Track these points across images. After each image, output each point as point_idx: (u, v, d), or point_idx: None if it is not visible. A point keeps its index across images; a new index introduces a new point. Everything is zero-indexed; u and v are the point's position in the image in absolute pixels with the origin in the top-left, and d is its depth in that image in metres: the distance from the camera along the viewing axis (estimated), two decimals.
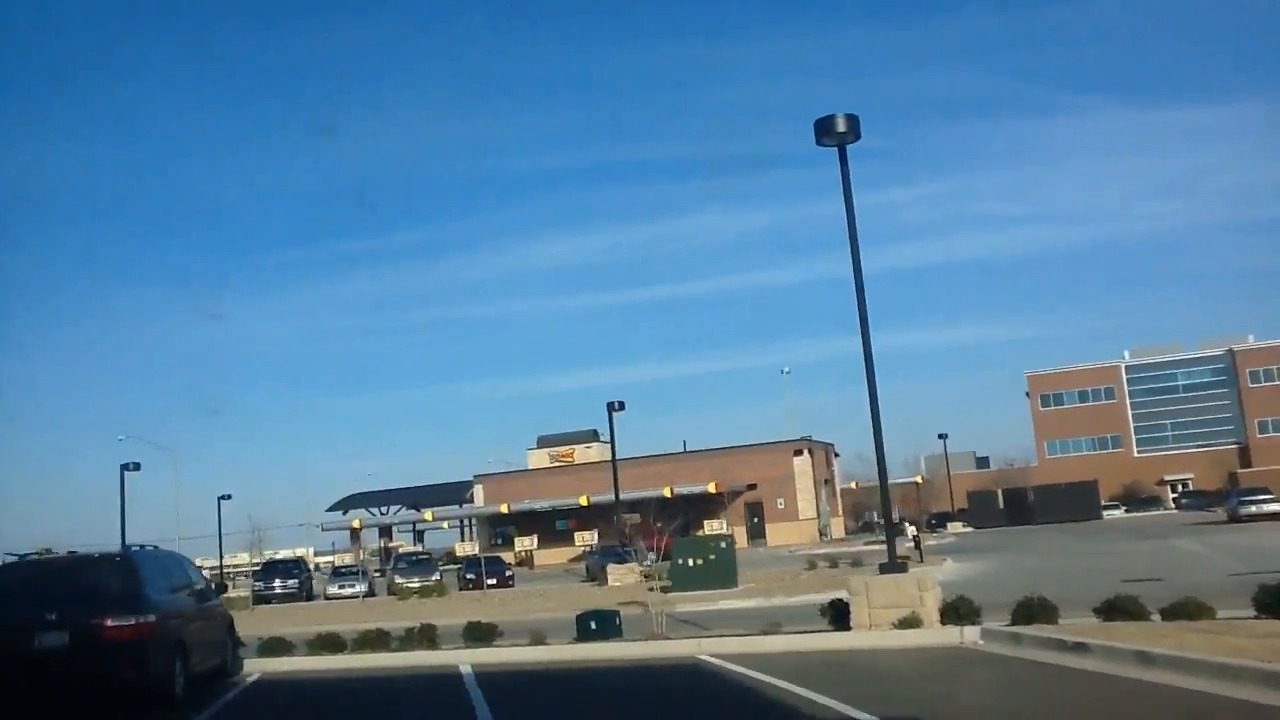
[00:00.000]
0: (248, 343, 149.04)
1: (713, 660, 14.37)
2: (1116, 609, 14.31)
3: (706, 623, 20.60)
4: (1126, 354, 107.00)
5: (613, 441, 42.66)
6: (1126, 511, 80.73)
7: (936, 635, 14.41)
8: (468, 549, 64.00)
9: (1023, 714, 9.54)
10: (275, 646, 18.35)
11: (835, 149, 16.11)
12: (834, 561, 39.19)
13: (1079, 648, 12.07)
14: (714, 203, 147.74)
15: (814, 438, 69.79)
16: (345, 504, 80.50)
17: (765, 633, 15.94)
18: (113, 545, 15.83)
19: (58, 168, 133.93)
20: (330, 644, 18.24)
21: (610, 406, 43.06)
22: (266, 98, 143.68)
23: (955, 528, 71.98)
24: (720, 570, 33.36)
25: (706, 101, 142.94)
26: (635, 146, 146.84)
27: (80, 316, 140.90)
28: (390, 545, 76.93)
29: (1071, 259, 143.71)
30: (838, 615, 15.61)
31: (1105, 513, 75.30)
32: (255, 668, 17.10)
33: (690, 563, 33.92)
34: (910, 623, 14.59)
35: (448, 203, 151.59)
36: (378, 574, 51.34)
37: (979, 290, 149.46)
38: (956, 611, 14.82)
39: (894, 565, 15.47)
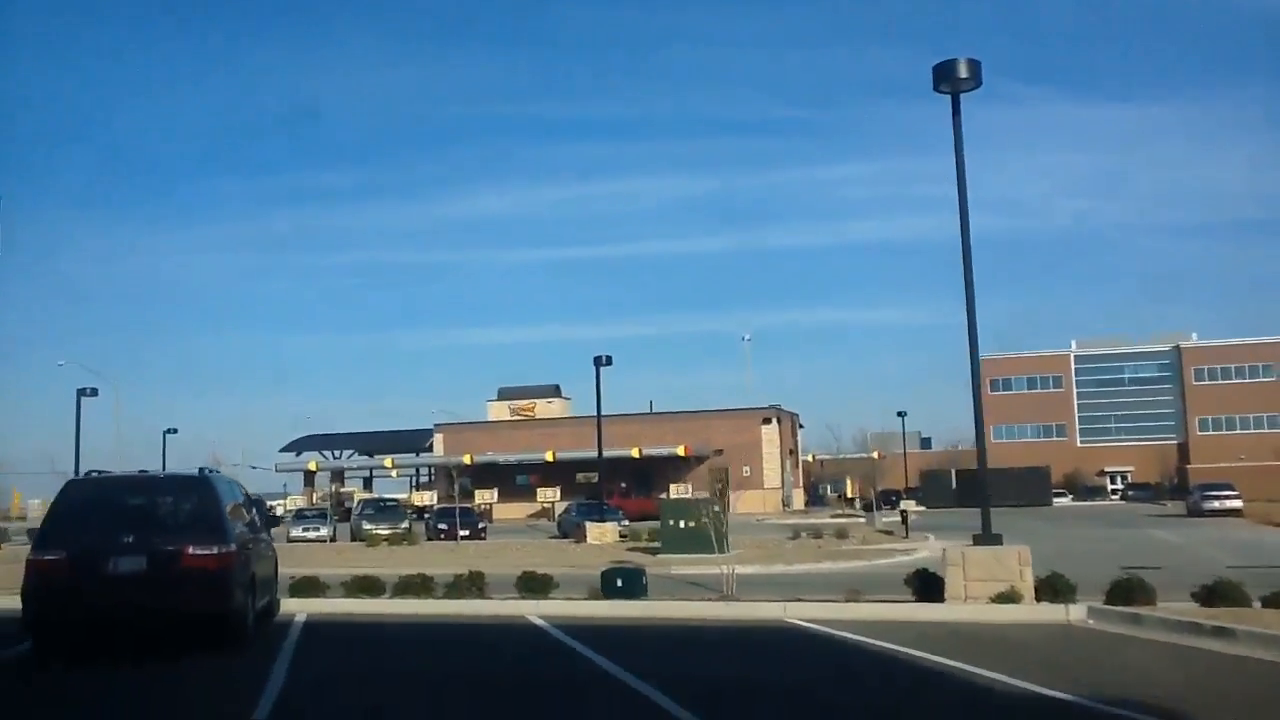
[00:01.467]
0: (193, 278, 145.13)
1: (814, 626, 13.75)
2: (1217, 594, 13.94)
3: (719, 587, 19.91)
4: (1073, 344, 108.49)
5: (598, 398, 41.78)
6: (1073, 499, 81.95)
7: (1038, 612, 13.96)
8: (426, 498, 63.12)
9: (1231, 699, 9.04)
10: (308, 587, 17.46)
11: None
12: (818, 532, 38.91)
13: (1222, 633, 11.65)
14: (660, 166, 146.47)
15: (782, 406, 69.67)
16: (299, 445, 78.61)
17: (848, 599, 15.38)
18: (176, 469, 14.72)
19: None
20: (369, 587, 17.37)
21: (597, 361, 42.18)
22: (209, 31, 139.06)
23: (909, 506, 72.34)
24: (710, 534, 32.62)
25: (655, 65, 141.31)
26: (578, 104, 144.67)
27: (17, 242, 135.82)
28: (342, 490, 75.44)
29: (1002, 249, 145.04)
30: (924, 586, 15.09)
31: (1054, 500, 76.32)
32: (296, 608, 16.17)
33: (681, 525, 33.21)
34: (1009, 598, 14.12)
35: (379, 147, 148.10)
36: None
37: (918, 272, 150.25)
38: (1052, 588, 14.41)
39: (989, 537, 14.94)
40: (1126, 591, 14.12)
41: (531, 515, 63.29)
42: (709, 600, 16.21)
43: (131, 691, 10.22)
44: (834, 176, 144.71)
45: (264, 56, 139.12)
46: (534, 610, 15.71)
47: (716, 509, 33.61)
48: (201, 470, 12.97)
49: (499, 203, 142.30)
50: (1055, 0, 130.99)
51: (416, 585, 17.13)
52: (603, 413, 42.50)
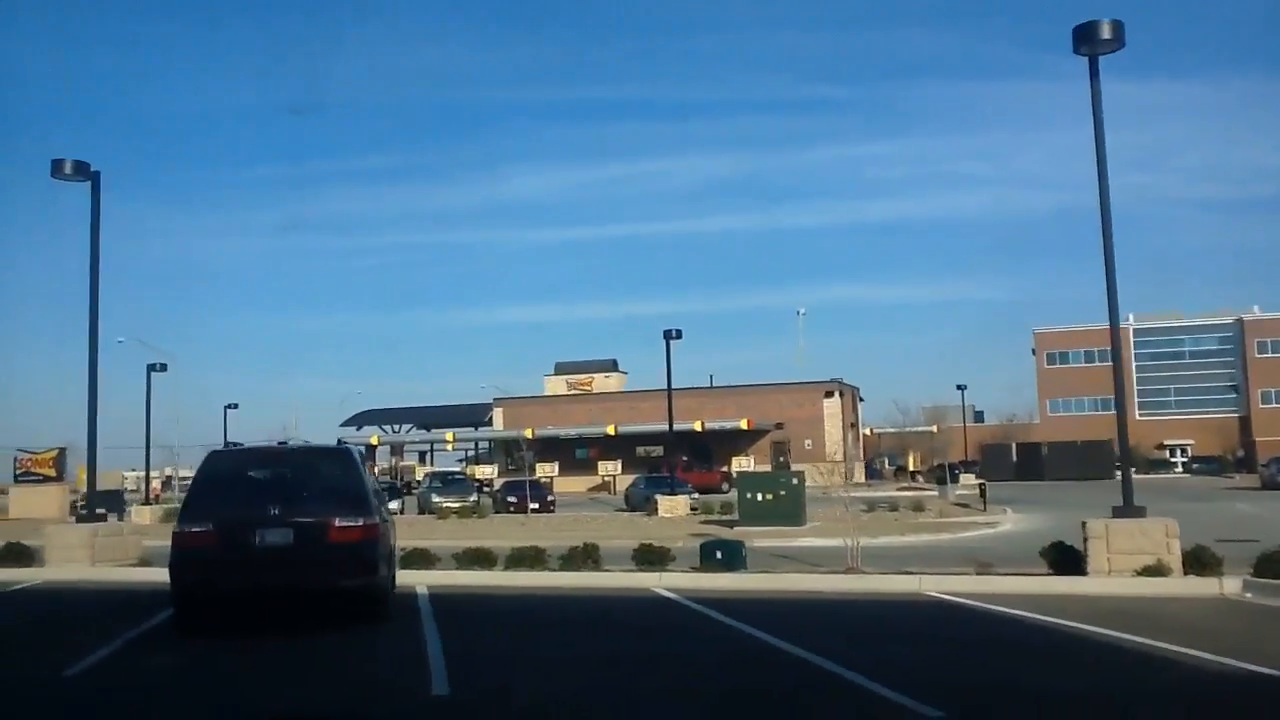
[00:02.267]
0: (234, 260, 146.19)
1: (962, 600, 13.38)
2: None
3: (808, 559, 19.64)
4: (1131, 317, 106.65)
5: (669, 371, 41.20)
6: (1137, 473, 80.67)
7: (1188, 585, 13.53)
8: (485, 472, 63.32)
9: None
10: (420, 559, 17.33)
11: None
12: (893, 505, 38.48)
13: None
14: (690, 145, 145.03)
15: (844, 380, 69.05)
16: (359, 420, 79.02)
17: (979, 572, 15.02)
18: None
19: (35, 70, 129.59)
20: (482, 559, 17.24)
21: (667, 334, 41.54)
22: (247, 13, 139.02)
23: (968, 479, 71.63)
24: (788, 507, 32.42)
25: (683, 46, 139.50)
26: (608, 86, 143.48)
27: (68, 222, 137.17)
28: (402, 464, 75.73)
29: (1052, 223, 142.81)
30: (1062, 559, 14.69)
31: (1117, 473, 75.18)
32: (413, 580, 16.01)
33: (759, 497, 32.98)
34: (1156, 571, 13.71)
35: (421, 128, 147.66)
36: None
37: (960, 249, 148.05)
38: (1199, 561, 13.98)
39: (1131, 509, 14.50)
40: (1275, 565, 13.63)
41: (591, 489, 63.16)
42: (834, 573, 15.87)
43: (296, 665, 10.04)
44: (870, 154, 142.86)
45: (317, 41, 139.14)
46: (657, 583, 15.49)
47: (794, 481, 33.44)
48: (340, 442, 12.79)
49: (531, 183, 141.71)
50: None
51: (530, 558, 16.95)
52: (662, 386, 42.10)
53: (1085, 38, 14.53)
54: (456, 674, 9.12)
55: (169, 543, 11.52)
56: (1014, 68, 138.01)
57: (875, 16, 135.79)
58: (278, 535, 11.25)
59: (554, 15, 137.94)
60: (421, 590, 15.25)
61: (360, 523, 11.48)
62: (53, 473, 54.43)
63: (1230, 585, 13.33)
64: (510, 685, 8.93)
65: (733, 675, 9.32)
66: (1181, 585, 13.51)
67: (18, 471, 54.49)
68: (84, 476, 62.22)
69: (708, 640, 11.31)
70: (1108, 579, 13.83)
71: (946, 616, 12.70)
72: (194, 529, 11.33)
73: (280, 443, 13.57)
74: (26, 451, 54.53)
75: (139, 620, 12.57)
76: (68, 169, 18.98)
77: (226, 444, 13.19)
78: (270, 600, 11.44)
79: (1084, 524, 14.49)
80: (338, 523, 11.37)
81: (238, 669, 9.90)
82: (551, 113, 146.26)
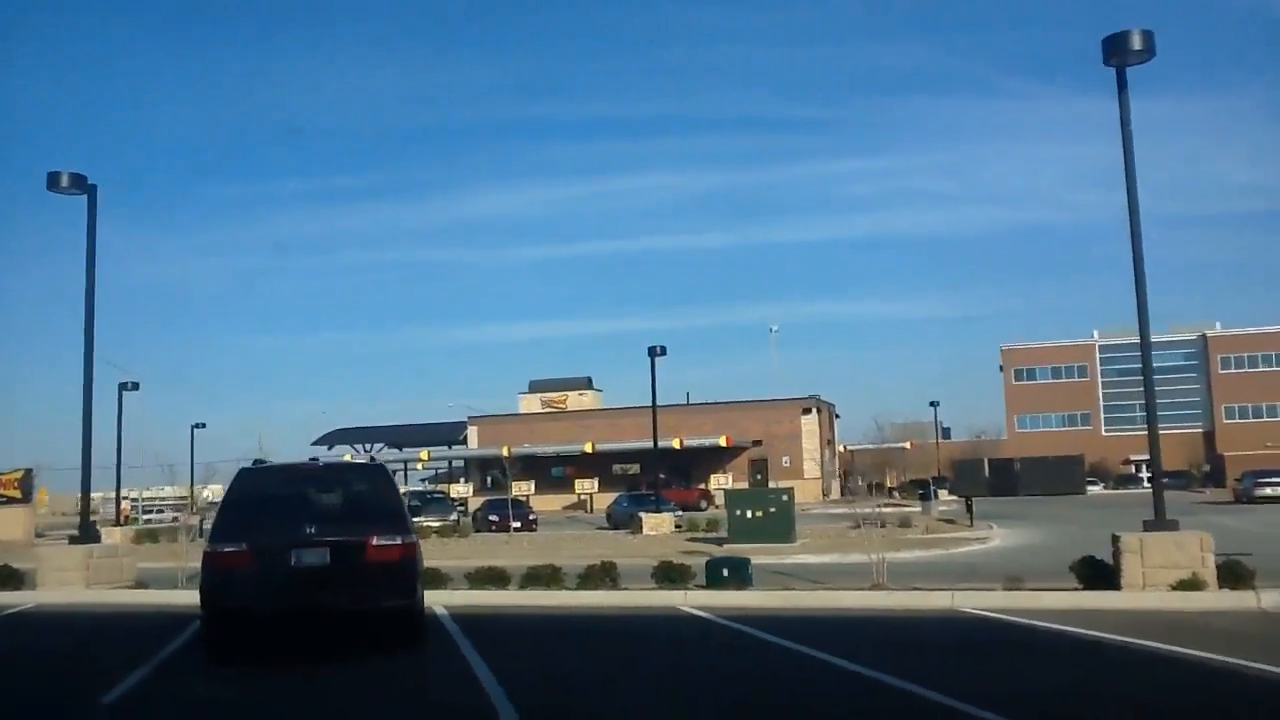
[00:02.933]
0: (205, 280, 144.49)
1: (1003, 616, 13.18)
2: None
3: (808, 576, 19.51)
4: (1096, 333, 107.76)
5: (653, 389, 40.98)
6: (1106, 488, 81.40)
7: (1225, 599, 13.42)
8: (460, 490, 62.69)
9: None
10: (431, 579, 16.85)
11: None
12: (882, 521, 38.28)
13: None
14: (664, 162, 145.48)
15: (821, 397, 69.06)
16: (331, 439, 77.93)
17: (1008, 588, 14.87)
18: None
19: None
20: (495, 578, 16.90)
21: (651, 351, 41.43)
22: (230, 34, 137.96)
23: (943, 495, 71.87)
24: (778, 524, 32.25)
25: (656, 63, 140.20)
26: (582, 103, 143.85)
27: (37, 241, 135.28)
28: None
29: (1019, 240, 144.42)
30: (1094, 573, 14.54)
31: (1089, 488, 75.94)
32: (426, 600, 15.57)
33: (749, 514, 32.79)
34: (1192, 585, 13.59)
35: (395, 148, 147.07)
36: None
37: (922, 266, 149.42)
38: (1233, 574, 13.88)
39: (1164, 522, 14.40)
40: None
41: (567, 507, 62.71)
42: (861, 589, 15.65)
43: (351, 691, 9.64)
44: (843, 171, 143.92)
45: (281, 62, 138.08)
46: (683, 601, 15.22)
47: (784, 498, 33.25)
48: (373, 459, 12.44)
49: (504, 201, 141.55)
50: None
51: (547, 576, 16.63)
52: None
53: (1115, 49, 14.43)
54: (519, 698, 8.76)
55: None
56: (984, 85, 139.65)
57: (847, 35, 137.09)
58: (314, 555, 10.86)
59: (526, 35, 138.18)
60: (441, 611, 14.87)
61: (398, 541, 11.13)
62: (18, 494, 53.27)
63: (1268, 599, 13.23)
64: (584, 709, 8.60)
65: (806, 692, 9.07)
66: (1218, 599, 13.40)
67: None
68: (45, 499, 60.72)
69: (765, 659, 10.99)
70: (1142, 593, 13.70)
71: (994, 632, 12.47)
72: (227, 549, 10.92)
73: (312, 459, 13.17)
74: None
75: (160, 643, 12.15)
76: (64, 182, 18.52)
77: (255, 461, 12.74)
78: (306, 622, 11.04)
79: (1116, 537, 14.35)
80: (375, 541, 11.02)
81: (285, 695, 9.50)
82: (523, 130, 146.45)
